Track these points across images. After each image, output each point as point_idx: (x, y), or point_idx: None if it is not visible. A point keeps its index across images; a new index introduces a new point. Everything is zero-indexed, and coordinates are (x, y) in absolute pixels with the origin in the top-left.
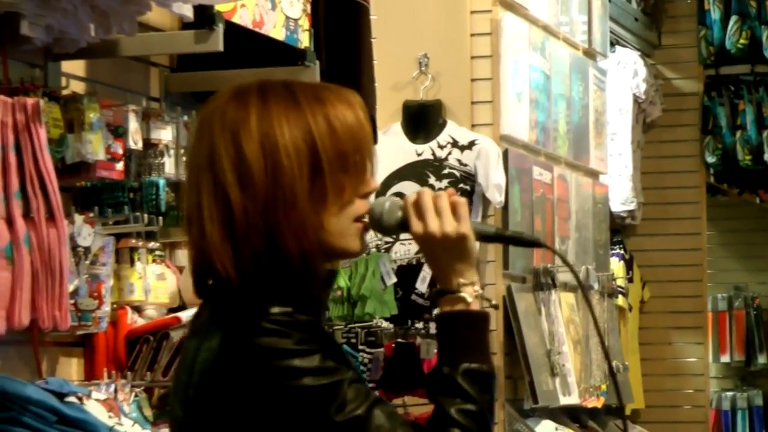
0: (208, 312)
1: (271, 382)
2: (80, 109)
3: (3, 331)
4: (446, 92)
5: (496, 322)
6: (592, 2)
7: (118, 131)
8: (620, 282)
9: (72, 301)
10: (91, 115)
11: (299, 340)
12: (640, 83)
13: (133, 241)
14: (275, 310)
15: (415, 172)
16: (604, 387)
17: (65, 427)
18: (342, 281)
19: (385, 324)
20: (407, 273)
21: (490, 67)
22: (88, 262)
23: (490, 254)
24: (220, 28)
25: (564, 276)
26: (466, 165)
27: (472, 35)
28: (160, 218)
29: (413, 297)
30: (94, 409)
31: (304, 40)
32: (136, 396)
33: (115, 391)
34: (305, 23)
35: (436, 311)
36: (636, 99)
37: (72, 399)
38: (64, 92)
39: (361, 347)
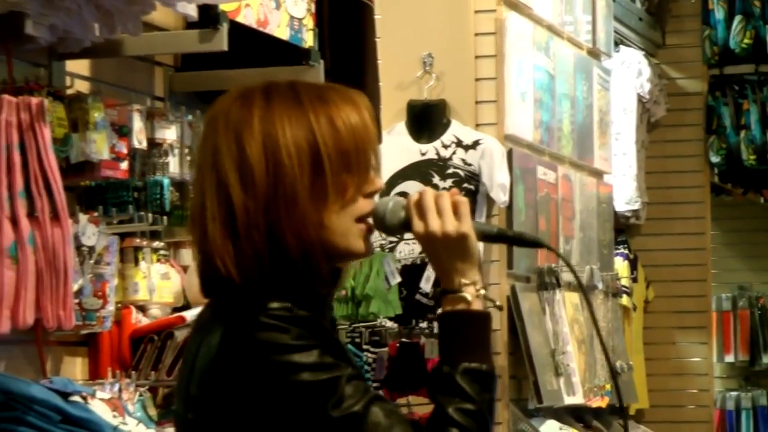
0: (210, 309)
1: (268, 376)
2: (84, 109)
3: (7, 331)
4: (450, 92)
5: (500, 321)
6: (597, 2)
7: (122, 131)
8: (624, 282)
9: (76, 301)
10: (95, 115)
11: (297, 336)
12: (644, 83)
13: (138, 240)
14: (274, 305)
15: (420, 171)
16: (608, 387)
17: (69, 427)
18: (346, 281)
19: (389, 323)
20: (411, 272)
21: (494, 66)
22: (92, 261)
23: (494, 254)
24: (225, 28)
25: (568, 275)
26: (470, 164)
27: (477, 35)
28: (165, 218)
29: (417, 296)
30: (99, 408)
31: (309, 40)
32: (140, 395)
33: (120, 390)
34: (310, 23)
35: (439, 311)
36: (640, 99)
37: (76, 398)
38: (69, 92)
39: (365, 347)
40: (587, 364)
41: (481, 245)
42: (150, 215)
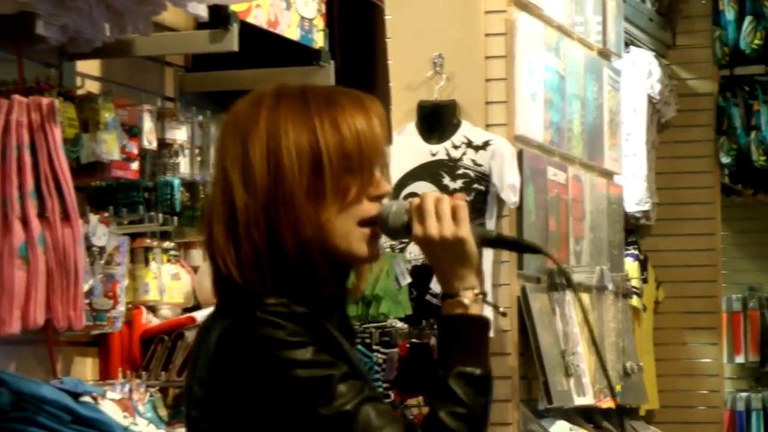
0: (215, 308)
1: (261, 371)
2: (95, 109)
3: (18, 331)
4: (461, 92)
5: (510, 322)
6: (607, 2)
7: (132, 131)
8: (634, 282)
9: (87, 301)
10: (106, 115)
11: (292, 332)
12: (654, 83)
13: (148, 240)
14: (271, 301)
15: (430, 172)
16: (618, 388)
17: (80, 427)
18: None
19: (399, 324)
20: (421, 273)
21: (504, 67)
22: (103, 261)
23: (505, 255)
24: (235, 28)
25: (578, 276)
26: (480, 165)
27: (487, 35)
28: (175, 218)
29: (427, 297)
30: (109, 408)
31: (319, 40)
32: (150, 396)
33: (130, 390)
34: (320, 23)
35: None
36: (650, 99)
37: (87, 399)
38: (79, 92)
39: (375, 347)
40: (597, 364)
41: (489, 250)
42: (160, 216)
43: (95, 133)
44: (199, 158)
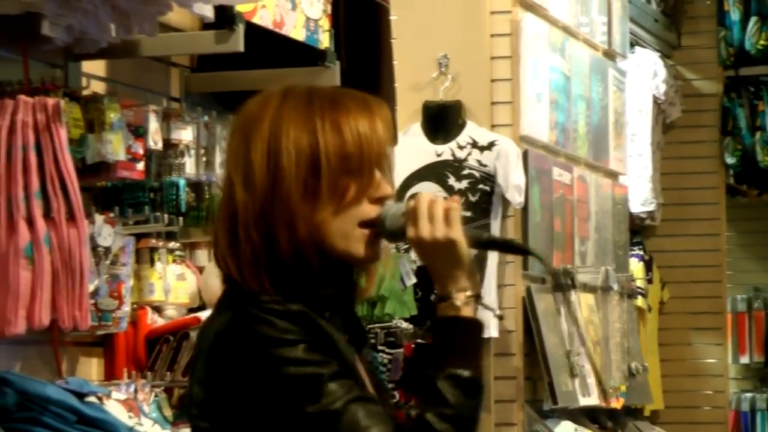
0: (215, 306)
1: (253, 368)
2: (101, 110)
3: (23, 331)
4: (466, 93)
5: (515, 322)
6: (612, 3)
7: (138, 131)
8: (639, 283)
9: (92, 301)
10: (111, 116)
11: (284, 329)
12: (659, 84)
13: (154, 241)
14: (265, 298)
15: (435, 172)
16: (623, 388)
17: (85, 427)
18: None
19: (404, 324)
20: (426, 274)
21: (509, 67)
22: (108, 262)
23: (510, 256)
24: (241, 29)
25: (583, 277)
26: (485, 165)
27: (492, 36)
28: (181, 218)
29: (433, 297)
30: (114, 409)
31: (325, 41)
32: (156, 396)
33: (135, 391)
34: (325, 24)
35: None
36: (655, 100)
37: (92, 399)
38: (85, 92)
39: (380, 348)
40: (602, 365)
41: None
42: (166, 216)
43: (101, 134)
44: (204, 159)
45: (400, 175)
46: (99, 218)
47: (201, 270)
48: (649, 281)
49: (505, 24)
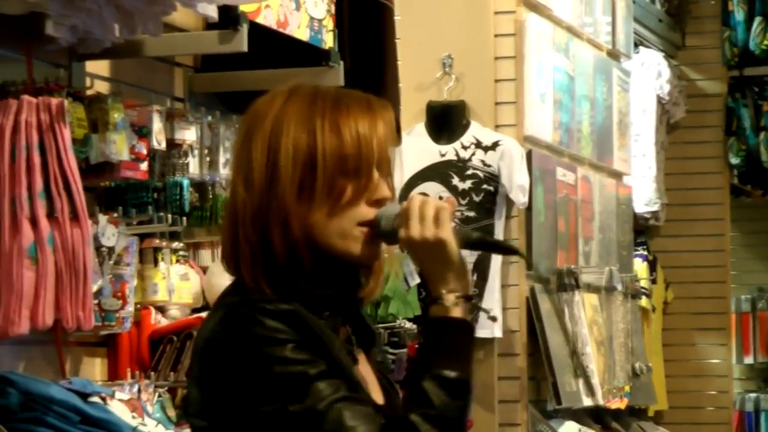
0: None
1: (240, 366)
2: (104, 110)
3: (27, 331)
4: (470, 93)
5: (519, 323)
6: (616, 3)
7: (142, 131)
8: (644, 283)
9: (96, 301)
10: (115, 116)
11: (273, 329)
12: (663, 84)
13: (157, 241)
14: (256, 297)
15: (439, 172)
16: (627, 388)
17: (89, 427)
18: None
19: (408, 324)
20: None
21: (513, 67)
22: (112, 262)
23: (514, 256)
24: (245, 29)
25: (587, 277)
26: (489, 166)
27: (496, 36)
28: (184, 218)
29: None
30: (118, 409)
31: (329, 41)
32: (159, 396)
33: (139, 391)
34: (329, 24)
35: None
36: (660, 100)
37: (95, 399)
38: (89, 92)
39: (384, 348)
40: (606, 365)
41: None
42: (169, 216)
43: (104, 134)
44: (208, 159)
45: (404, 175)
46: (102, 218)
47: (205, 270)
48: (653, 281)
49: (509, 24)
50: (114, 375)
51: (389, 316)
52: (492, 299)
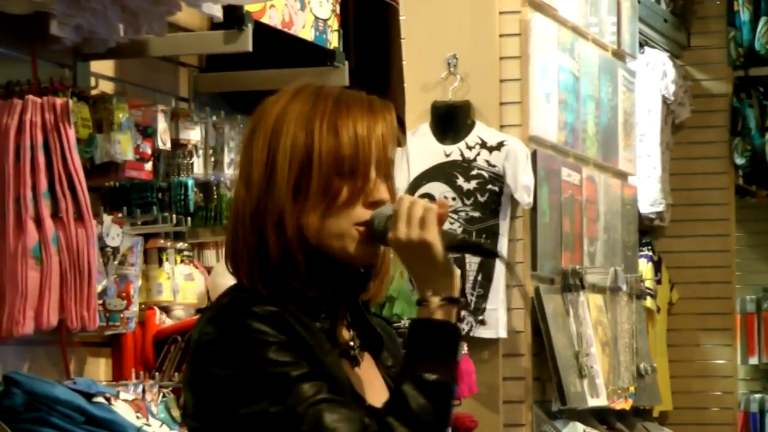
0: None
1: (224, 367)
2: (109, 109)
3: (31, 331)
4: (475, 93)
5: (524, 323)
6: (622, 3)
7: (146, 131)
8: (648, 284)
9: (100, 302)
10: (120, 115)
11: (256, 330)
12: (669, 84)
13: (162, 241)
14: (244, 298)
15: (444, 173)
16: (632, 389)
17: (93, 428)
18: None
19: None
20: None
21: (518, 67)
22: (116, 262)
23: (519, 256)
24: (250, 29)
25: (592, 277)
26: (494, 166)
27: (501, 36)
28: (189, 219)
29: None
30: (122, 409)
31: (333, 41)
32: (164, 396)
33: (143, 391)
34: (334, 24)
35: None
36: (665, 100)
37: (100, 399)
38: (93, 92)
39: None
40: (611, 366)
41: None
42: (174, 216)
43: (109, 134)
44: (212, 159)
45: (409, 175)
46: (107, 218)
47: (209, 270)
48: (658, 282)
49: (514, 24)
50: (118, 375)
51: (394, 316)
52: (497, 300)
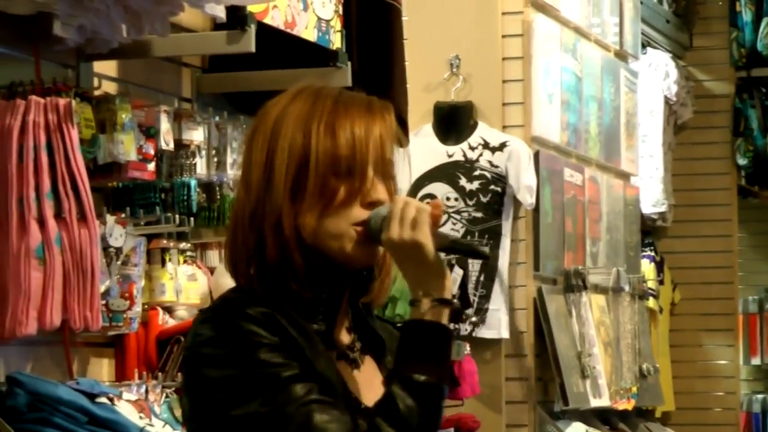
0: None
1: (214, 368)
2: (112, 110)
3: (34, 332)
4: (477, 94)
5: (527, 323)
6: (624, 4)
7: (149, 132)
8: (651, 284)
9: (103, 302)
10: (123, 116)
11: (248, 332)
12: (671, 85)
13: (165, 241)
14: (232, 296)
15: (446, 173)
16: (634, 389)
17: (96, 428)
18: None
19: None
20: None
21: (521, 68)
22: (119, 262)
23: (521, 256)
24: (252, 29)
25: (595, 278)
26: (497, 166)
27: (504, 37)
28: (192, 219)
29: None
30: (125, 409)
31: (336, 42)
32: (167, 397)
33: (146, 391)
34: (337, 24)
35: (468, 311)
36: (667, 101)
37: (103, 400)
38: (96, 93)
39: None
40: (613, 366)
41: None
42: (177, 216)
43: (112, 134)
44: (215, 159)
45: (411, 176)
46: (110, 219)
47: (212, 270)
48: (661, 282)
49: (517, 25)
50: (121, 375)
51: (396, 316)
52: (499, 300)
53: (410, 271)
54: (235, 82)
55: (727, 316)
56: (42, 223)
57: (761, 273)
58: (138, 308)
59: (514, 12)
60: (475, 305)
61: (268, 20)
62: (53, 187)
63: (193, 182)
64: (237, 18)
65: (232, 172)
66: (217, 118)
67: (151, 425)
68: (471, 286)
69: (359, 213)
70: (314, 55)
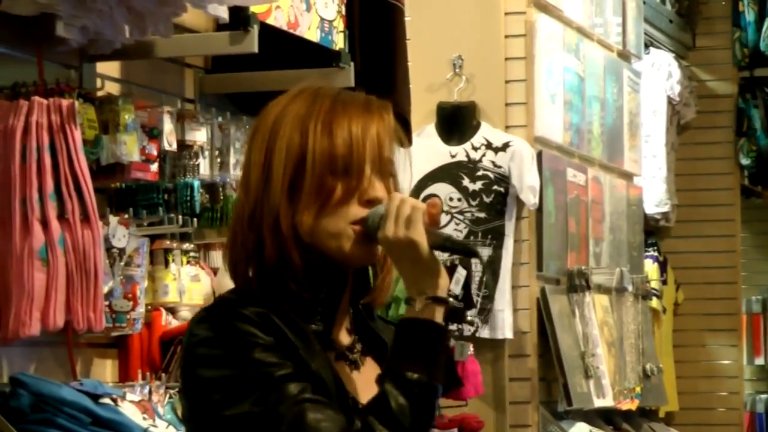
0: None
1: (208, 368)
2: (115, 111)
3: (38, 333)
4: (480, 94)
5: (530, 324)
6: (627, 4)
7: (152, 132)
8: (654, 284)
9: (106, 303)
10: (125, 117)
11: (243, 332)
12: (674, 85)
13: (168, 242)
14: (228, 296)
15: (449, 173)
16: (638, 389)
17: (99, 429)
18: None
19: None
20: None
21: (524, 68)
22: (122, 263)
23: (524, 256)
24: (255, 30)
25: (598, 278)
26: (500, 167)
27: (507, 37)
28: (195, 219)
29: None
30: (129, 410)
31: (339, 42)
32: (170, 398)
33: (150, 392)
34: (340, 25)
35: (470, 312)
36: (670, 101)
37: (106, 400)
38: (99, 93)
39: None
40: (617, 366)
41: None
42: (180, 217)
43: (115, 135)
44: (218, 160)
45: (414, 176)
46: (113, 219)
47: (215, 271)
48: (664, 282)
49: (520, 25)
50: (125, 376)
51: (399, 317)
52: (503, 300)
53: (406, 270)
54: (238, 82)
55: (730, 316)
56: (45, 224)
57: (764, 273)
58: (141, 309)
59: (516, 12)
60: (478, 306)
61: (270, 21)
62: (56, 188)
63: (196, 183)
64: (240, 19)
65: (235, 173)
66: (220, 119)
67: (155, 426)
68: (474, 286)
69: (357, 211)
70: (317, 55)
